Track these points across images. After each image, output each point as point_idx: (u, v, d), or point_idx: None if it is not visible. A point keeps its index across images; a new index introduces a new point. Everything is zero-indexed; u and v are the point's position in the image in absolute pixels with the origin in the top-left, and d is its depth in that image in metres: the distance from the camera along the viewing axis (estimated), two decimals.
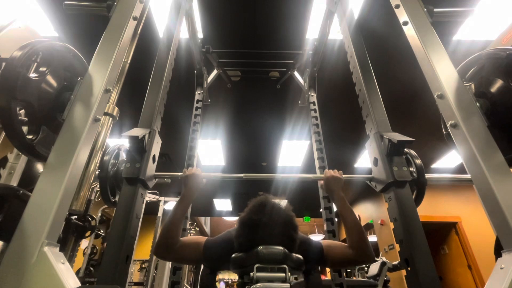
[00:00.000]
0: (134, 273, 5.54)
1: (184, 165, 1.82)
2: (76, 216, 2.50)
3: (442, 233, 5.13)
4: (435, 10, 1.09)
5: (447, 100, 0.86)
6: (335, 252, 0.96)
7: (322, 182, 1.14)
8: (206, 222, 9.50)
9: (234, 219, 7.96)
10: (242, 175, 1.20)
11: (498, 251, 0.69)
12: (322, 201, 1.77)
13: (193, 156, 1.88)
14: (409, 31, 1.07)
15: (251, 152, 4.51)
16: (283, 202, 0.90)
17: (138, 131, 1.04)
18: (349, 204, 1.04)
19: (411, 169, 1.14)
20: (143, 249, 6.04)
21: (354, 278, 4.83)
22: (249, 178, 1.21)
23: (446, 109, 0.87)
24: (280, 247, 0.75)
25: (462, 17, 1.21)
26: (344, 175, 1.11)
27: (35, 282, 0.59)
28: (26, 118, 0.86)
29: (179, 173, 1.12)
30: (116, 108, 1.35)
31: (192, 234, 5.56)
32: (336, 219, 1.72)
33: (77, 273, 3.49)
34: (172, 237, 0.93)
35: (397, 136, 1.02)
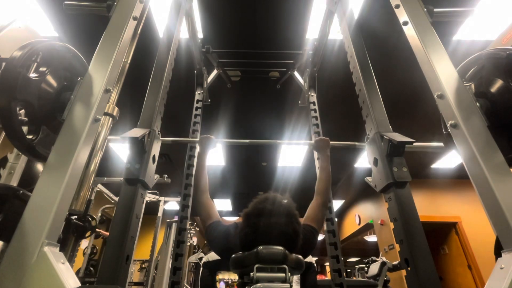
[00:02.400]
0: (134, 273, 5.53)
1: (184, 165, 1.82)
2: (76, 216, 2.50)
3: (442, 233, 5.13)
4: (435, 10, 1.09)
5: (447, 100, 0.86)
6: (316, 217, 1.09)
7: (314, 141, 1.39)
8: None
9: (234, 219, 7.97)
10: (247, 141, 1.48)
11: (498, 251, 0.68)
12: None
13: (193, 156, 1.88)
14: (409, 31, 1.07)
15: (251, 152, 4.52)
16: (287, 198, 0.91)
17: (137, 132, 1.04)
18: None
19: None
20: (143, 249, 6.04)
21: (354, 278, 4.84)
22: (253, 144, 1.51)
23: (446, 109, 0.87)
24: (280, 247, 0.75)
25: (462, 17, 1.21)
26: (332, 142, 1.35)
27: (35, 282, 0.59)
28: (26, 118, 0.86)
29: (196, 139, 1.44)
30: (116, 108, 1.35)
31: (192, 234, 5.55)
32: (336, 219, 1.72)
33: (77, 273, 3.49)
34: (199, 183, 1.16)
35: (397, 137, 1.02)
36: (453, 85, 0.88)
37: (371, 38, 2.40)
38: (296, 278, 2.13)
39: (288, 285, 0.69)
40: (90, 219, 2.83)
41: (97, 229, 3.35)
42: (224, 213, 7.67)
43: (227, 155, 4.60)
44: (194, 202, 1.21)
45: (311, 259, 2.14)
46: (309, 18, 2.35)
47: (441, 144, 1.17)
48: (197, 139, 1.34)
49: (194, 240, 6.14)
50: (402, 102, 3.22)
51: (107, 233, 3.84)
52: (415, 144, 1.18)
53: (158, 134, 1.18)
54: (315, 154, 1.97)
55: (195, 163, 1.86)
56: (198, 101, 2.20)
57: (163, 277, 3.65)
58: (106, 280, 0.81)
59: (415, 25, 1.04)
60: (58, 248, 0.68)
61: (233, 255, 0.79)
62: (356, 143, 1.34)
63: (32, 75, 0.86)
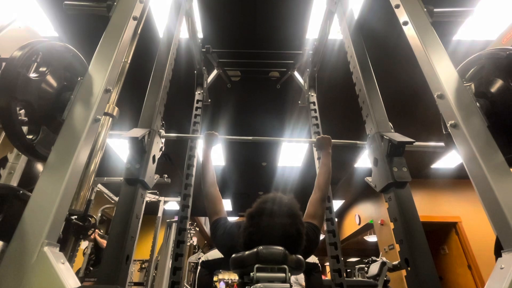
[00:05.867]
0: (134, 273, 5.53)
1: (184, 165, 1.82)
2: (76, 216, 2.50)
3: (442, 233, 5.13)
4: (435, 10, 1.09)
5: (447, 100, 0.86)
6: (316, 213, 1.09)
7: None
8: (206, 222, 9.50)
9: (234, 219, 7.96)
10: (250, 138, 1.49)
11: (498, 251, 0.69)
12: None
13: (193, 156, 1.88)
14: (409, 31, 1.07)
15: (251, 152, 4.51)
16: (290, 199, 0.90)
17: (137, 132, 1.04)
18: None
19: None
20: (143, 249, 6.03)
21: (354, 278, 4.84)
22: (256, 141, 1.51)
23: (446, 109, 0.87)
24: (280, 248, 0.75)
25: (462, 17, 1.21)
26: (333, 140, 1.35)
27: (35, 282, 0.59)
28: (26, 118, 0.86)
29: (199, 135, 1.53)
30: (116, 108, 1.35)
31: (192, 234, 5.56)
32: (336, 219, 1.72)
33: (77, 273, 3.49)
34: (205, 176, 1.21)
35: (397, 137, 1.02)
36: (453, 85, 0.88)
37: (371, 38, 2.40)
38: (293, 279, 2.12)
39: (288, 285, 0.69)
40: (90, 219, 2.81)
41: (100, 231, 3.33)
42: None
43: (227, 155, 4.60)
44: (197, 199, 1.22)
45: (315, 259, 2.13)
46: (309, 18, 2.35)
47: (442, 144, 1.18)
48: (200, 135, 1.36)
49: (194, 240, 6.14)
50: (402, 102, 3.22)
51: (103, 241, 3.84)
52: (416, 143, 1.18)
53: (159, 133, 1.18)
54: (315, 154, 1.97)
55: (195, 163, 1.86)
56: (198, 101, 2.20)
57: (163, 277, 3.65)
58: (106, 280, 0.81)
59: (415, 25, 1.04)
60: (58, 248, 0.68)
61: (233, 255, 0.79)
62: (358, 141, 1.35)
63: (32, 75, 0.86)
